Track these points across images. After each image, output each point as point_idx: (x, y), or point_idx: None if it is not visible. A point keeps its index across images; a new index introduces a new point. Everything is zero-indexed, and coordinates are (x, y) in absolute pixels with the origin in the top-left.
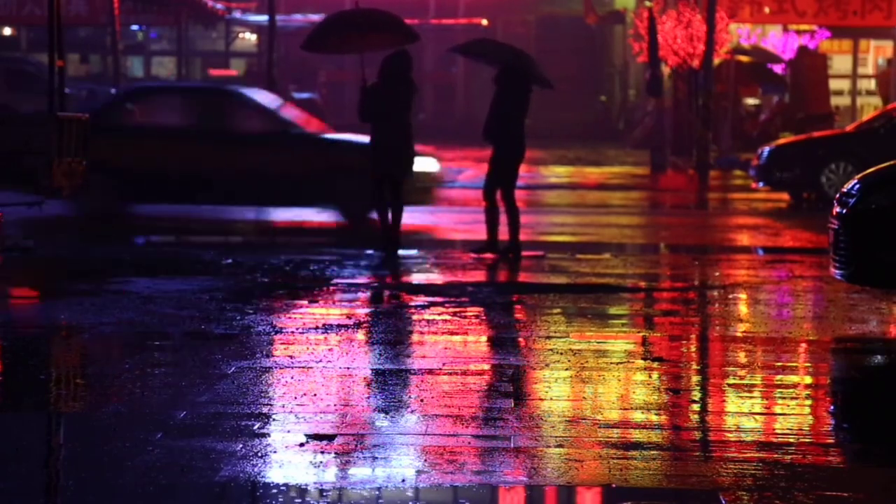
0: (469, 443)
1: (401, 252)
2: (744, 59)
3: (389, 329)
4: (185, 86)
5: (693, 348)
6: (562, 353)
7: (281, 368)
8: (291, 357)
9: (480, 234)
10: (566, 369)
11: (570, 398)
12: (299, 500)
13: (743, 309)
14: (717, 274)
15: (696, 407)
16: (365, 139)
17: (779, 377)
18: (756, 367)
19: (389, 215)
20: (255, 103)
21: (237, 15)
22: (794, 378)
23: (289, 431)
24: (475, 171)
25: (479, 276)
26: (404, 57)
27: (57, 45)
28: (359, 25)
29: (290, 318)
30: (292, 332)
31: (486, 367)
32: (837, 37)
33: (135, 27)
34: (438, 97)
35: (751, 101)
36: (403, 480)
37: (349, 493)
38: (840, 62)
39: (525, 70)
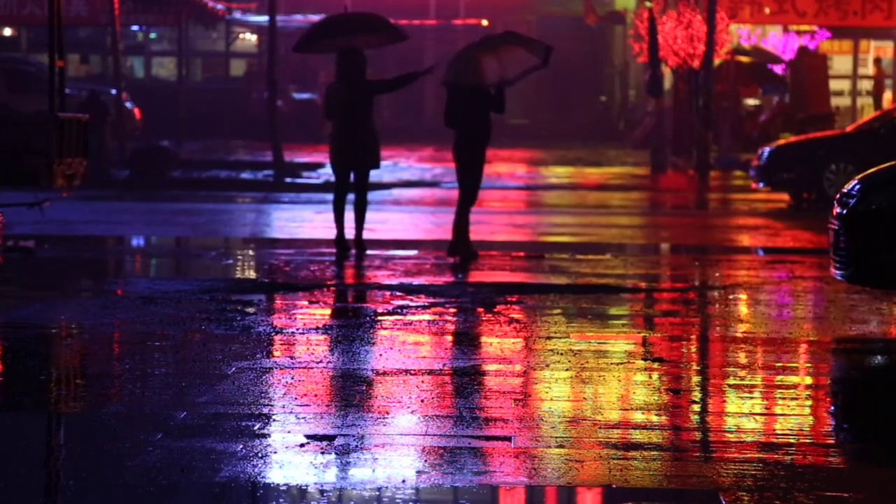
0: (469, 443)
1: (403, 253)
2: (744, 59)
3: (389, 329)
4: None
5: (693, 349)
6: (562, 354)
7: (281, 369)
8: (292, 357)
9: (481, 234)
10: (566, 369)
11: (570, 398)
12: (300, 501)
13: (743, 309)
14: (717, 274)
15: (696, 407)
16: None
17: (779, 377)
18: (756, 367)
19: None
20: None
21: (237, 15)
22: (794, 378)
23: (289, 432)
24: None
25: (479, 276)
26: (354, 55)
27: (57, 46)
28: (349, 29)
29: (290, 318)
30: (292, 333)
31: (487, 367)
32: (838, 37)
33: (135, 27)
34: (438, 97)
35: (751, 101)
36: (404, 481)
37: (349, 494)
38: (840, 62)
39: (467, 82)
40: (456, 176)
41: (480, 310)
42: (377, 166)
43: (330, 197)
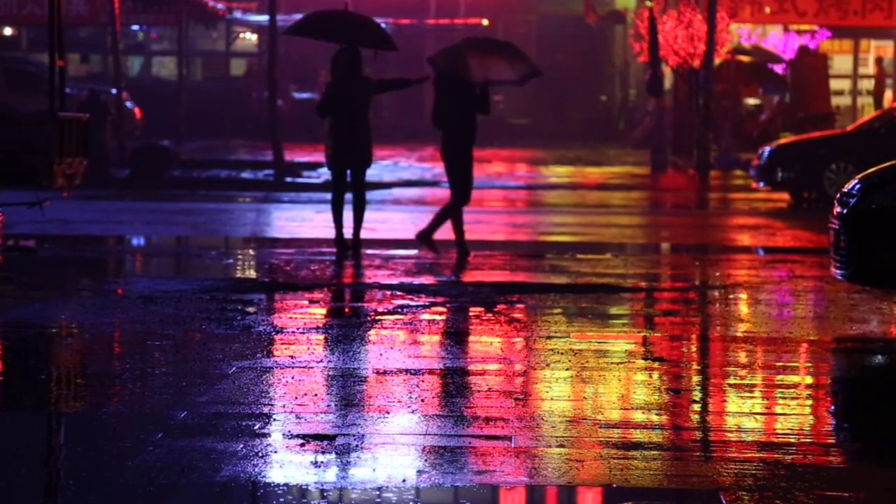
0: (469, 443)
1: (404, 252)
2: (744, 58)
3: (389, 329)
4: None
5: (693, 348)
6: (562, 353)
7: (281, 368)
8: (292, 357)
9: (481, 234)
10: (567, 369)
11: (570, 398)
12: (300, 501)
13: (743, 309)
14: (717, 274)
15: (696, 407)
16: None
17: (779, 377)
18: (756, 367)
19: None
20: None
21: (238, 15)
22: (794, 378)
23: (289, 431)
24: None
25: (479, 276)
26: (352, 54)
27: (57, 45)
28: (340, 28)
29: (290, 318)
30: (293, 332)
31: (487, 367)
32: (838, 37)
33: (135, 27)
34: None
35: (751, 100)
36: (404, 480)
37: (350, 493)
38: (840, 62)
39: (456, 74)
40: (447, 176)
41: (481, 309)
42: (371, 164)
43: (330, 196)
